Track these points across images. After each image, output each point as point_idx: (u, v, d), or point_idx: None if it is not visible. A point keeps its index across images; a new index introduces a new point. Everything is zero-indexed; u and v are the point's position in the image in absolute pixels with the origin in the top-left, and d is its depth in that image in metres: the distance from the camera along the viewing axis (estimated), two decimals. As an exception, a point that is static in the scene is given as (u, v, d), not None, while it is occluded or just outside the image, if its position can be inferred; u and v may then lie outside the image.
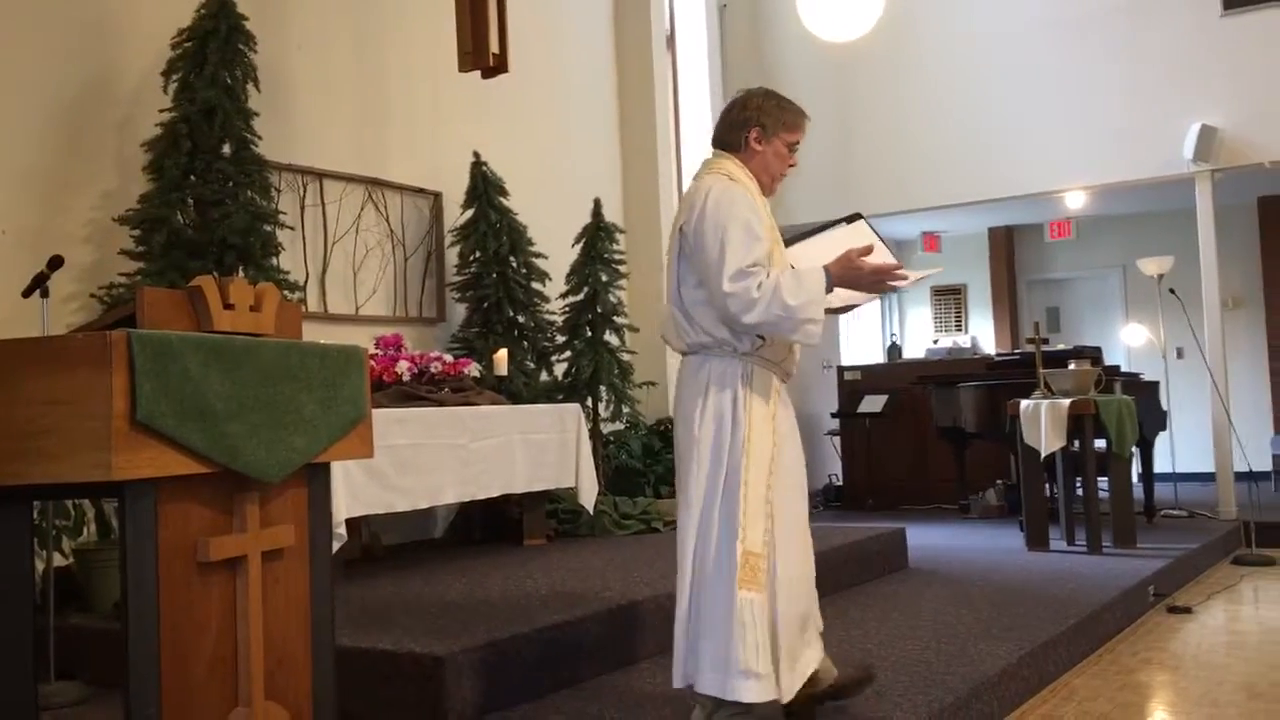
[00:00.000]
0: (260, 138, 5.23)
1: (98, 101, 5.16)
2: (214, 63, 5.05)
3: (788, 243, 3.17)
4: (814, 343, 2.89)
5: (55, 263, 3.88)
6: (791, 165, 3.17)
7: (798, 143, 3.16)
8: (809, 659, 3.02)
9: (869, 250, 2.99)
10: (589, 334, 6.97)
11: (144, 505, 2.08)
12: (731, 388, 2.96)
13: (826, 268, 2.95)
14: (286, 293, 5.22)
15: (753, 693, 2.84)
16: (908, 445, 9.36)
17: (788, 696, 2.92)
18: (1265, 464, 9.82)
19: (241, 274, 4.96)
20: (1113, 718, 3.70)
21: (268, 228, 5.16)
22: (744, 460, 2.91)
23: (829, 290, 2.93)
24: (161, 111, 5.06)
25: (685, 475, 3.01)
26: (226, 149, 5.10)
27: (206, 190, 4.99)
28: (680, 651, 2.98)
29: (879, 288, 3.06)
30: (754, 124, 3.10)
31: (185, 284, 2.41)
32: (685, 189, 3.96)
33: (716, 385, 2.98)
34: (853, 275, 2.98)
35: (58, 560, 4.20)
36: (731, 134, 3.13)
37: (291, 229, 5.79)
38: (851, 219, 3.28)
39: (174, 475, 2.12)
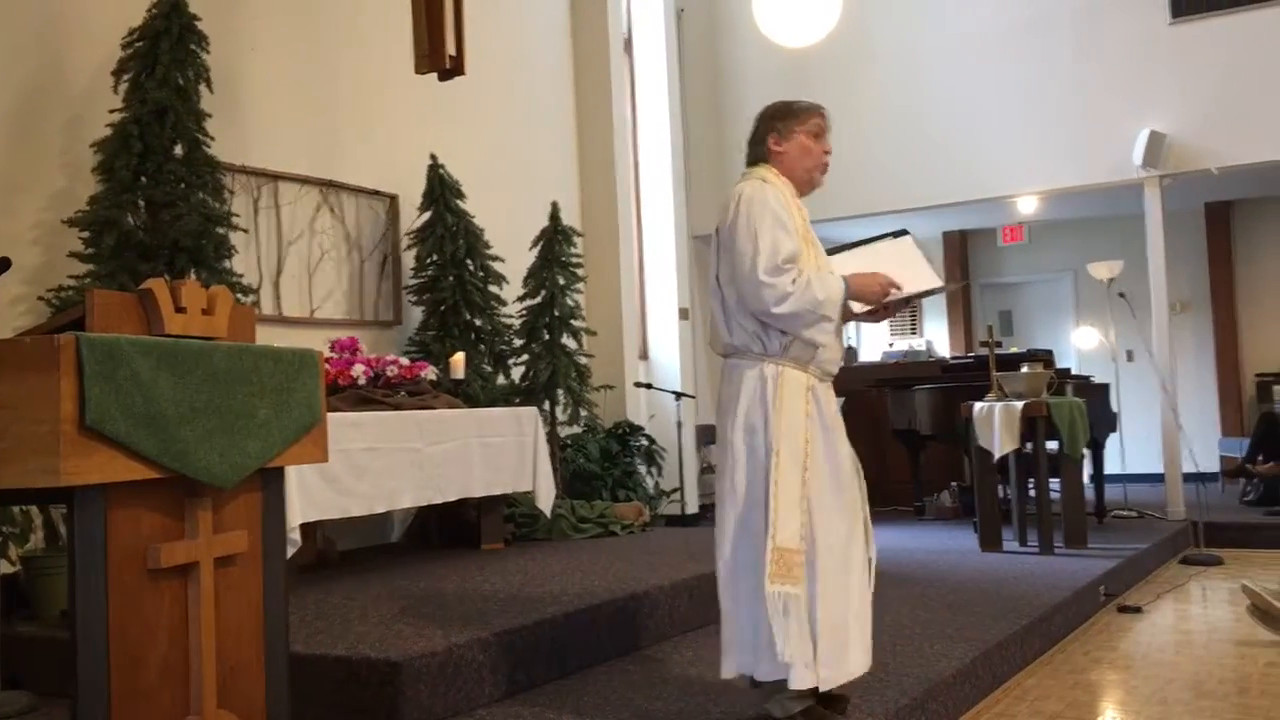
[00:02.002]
0: (213, 139, 5.17)
1: (46, 101, 5.07)
2: (166, 63, 4.98)
3: (831, 253, 3.27)
4: (820, 340, 3.05)
5: (2, 265, 3.81)
6: (826, 153, 3.26)
7: (819, 132, 3.25)
8: (856, 660, 3.07)
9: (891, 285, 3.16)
10: (546, 337, 6.96)
11: (93, 511, 2.05)
12: (761, 391, 3.06)
13: (845, 277, 3.11)
14: (240, 296, 5.16)
15: (798, 680, 2.93)
16: (863, 448, 9.17)
17: (825, 686, 3.00)
18: (1213, 465, 9.98)
19: (194, 277, 4.90)
20: (1065, 717, 3.74)
21: (220, 230, 5.10)
22: (774, 460, 3.00)
23: (846, 297, 3.08)
24: (112, 112, 4.99)
25: (720, 475, 3.15)
26: (178, 150, 5.04)
27: (158, 192, 4.92)
28: (727, 644, 3.08)
29: (883, 297, 3.17)
30: (768, 131, 3.24)
31: (136, 287, 2.37)
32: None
33: (748, 389, 3.08)
34: (866, 282, 3.14)
35: (4, 567, 4.14)
36: (755, 149, 3.28)
37: (245, 231, 5.72)
38: (898, 234, 3.40)
39: (124, 481, 2.09)
